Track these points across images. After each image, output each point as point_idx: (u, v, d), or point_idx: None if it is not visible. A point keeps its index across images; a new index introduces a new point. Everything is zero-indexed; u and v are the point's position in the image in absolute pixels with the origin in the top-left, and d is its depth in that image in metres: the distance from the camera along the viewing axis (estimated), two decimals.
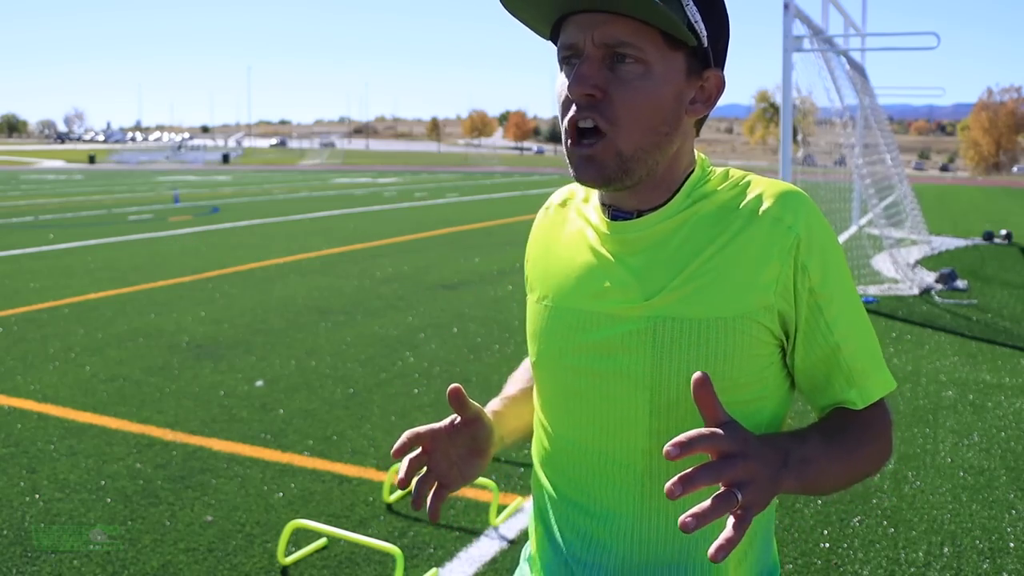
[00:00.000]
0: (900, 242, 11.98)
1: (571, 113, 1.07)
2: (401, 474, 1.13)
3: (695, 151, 1.19)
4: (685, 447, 0.86)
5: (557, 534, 1.23)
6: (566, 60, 1.09)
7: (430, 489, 1.16)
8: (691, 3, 1.05)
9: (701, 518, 0.84)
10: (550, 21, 1.10)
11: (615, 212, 1.16)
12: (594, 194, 1.23)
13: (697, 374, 0.90)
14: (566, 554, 1.21)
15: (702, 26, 1.06)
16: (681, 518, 0.84)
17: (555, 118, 1.22)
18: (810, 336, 1.10)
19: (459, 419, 1.16)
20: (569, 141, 1.09)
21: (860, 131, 12.36)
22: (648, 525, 1.15)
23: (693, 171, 1.17)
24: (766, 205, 1.09)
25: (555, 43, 1.13)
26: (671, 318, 1.09)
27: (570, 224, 1.24)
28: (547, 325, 1.21)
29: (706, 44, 1.07)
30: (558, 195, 1.32)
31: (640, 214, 1.14)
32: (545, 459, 1.26)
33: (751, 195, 1.11)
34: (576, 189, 1.28)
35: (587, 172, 1.08)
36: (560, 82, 1.11)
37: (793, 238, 1.07)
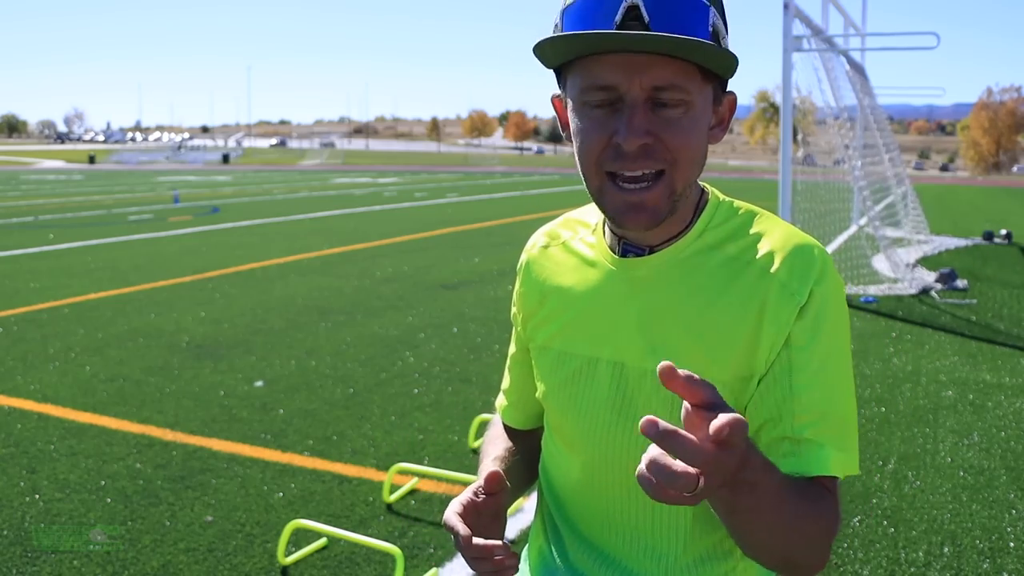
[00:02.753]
0: (898, 242, 11.98)
1: (618, 164, 1.01)
2: (495, 562, 1.02)
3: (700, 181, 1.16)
4: (712, 413, 0.75)
5: (555, 555, 1.24)
6: (597, 101, 1.02)
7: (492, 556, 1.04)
8: (727, 35, 1.03)
9: (656, 469, 0.75)
10: (572, 57, 1.03)
11: (627, 247, 1.12)
12: (587, 231, 1.20)
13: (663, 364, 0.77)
14: (562, 574, 1.23)
15: (731, 56, 1.02)
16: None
17: (554, 119, 1.17)
18: (768, 391, 1.04)
19: (484, 491, 1.09)
20: (608, 186, 1.03)
21: (860, 131, 12.37)
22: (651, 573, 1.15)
23: (703, 201, 1.13)
24: (776, 266, 1.05)
25: (557, 74, 1.08)
26: None
27: (565, 266, 1.20)
28: (553, 370, 1.19)
29: (732, 72, 1.05)
30: (540, 237, 1.27)
31: (652, 249, 1.11)
32: (552, 483, 1.26)
33: (764, 250, 1.07)
34: (560, 230, 1.24)
35: (637, 218, 1.03)
36: (587, 125, 1.03)
37: (795, 305, 1.03)
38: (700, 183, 1.15)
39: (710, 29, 0.98)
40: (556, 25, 1.04)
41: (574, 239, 1.21)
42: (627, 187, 1.02)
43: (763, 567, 1.04)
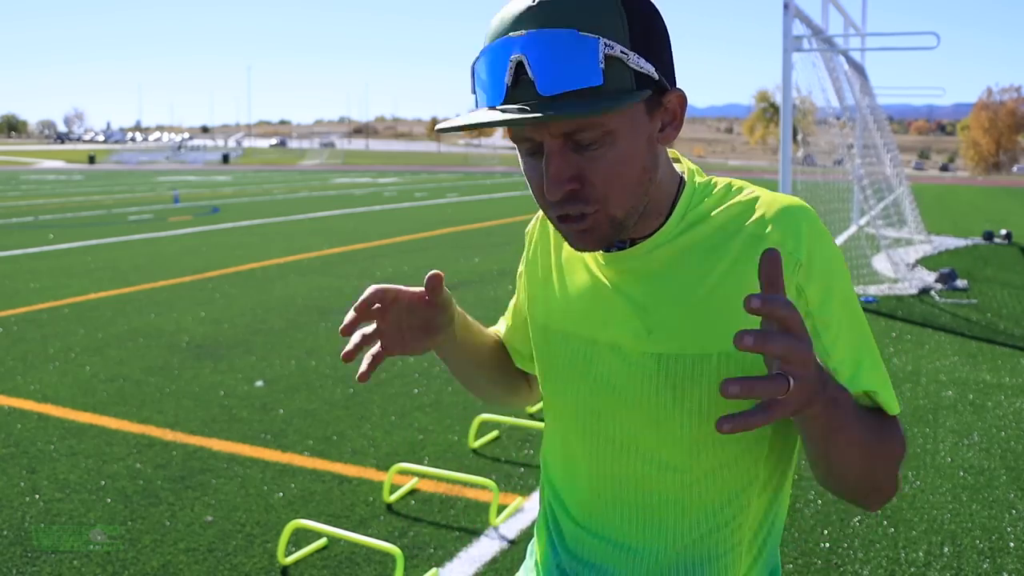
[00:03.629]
0: (898, 242, 11.98)
1: (555, 209, 1.03)
2: (351, 346, 1.13)
3: (678, 162, 1.15)
4: (771, 282, 0.82)
5: (560, 548, 1.24)
6: (524, 149, 1.03)
7: (369, 349, 1.16)
8: (631, 53, 0.95)
9: (746, 388, 0.79)
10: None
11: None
12: None
13: (769, 252, 0.82)
14: (565, 565, 1.23)
15: (649, 67, 0.97)
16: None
17: None
18: None
19: (427, 296, 1.16)
20: (556, 221, 1.05)
21: (860, 131, 12.37)
22: (659, 558, 1.15)
23: (681, 187, 1.12)
24: (766, 229, 1.05)
25: None
26: (677, 355, 1.07)
27: (565, 247, 1.22)
28: (552, 351, 1.20)
29: (657, 78, 0.99)
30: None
31: (634, 242, 1.11)
32: (552, 472, 1.26)
33: (749, 216, 1.07)
34: None
35: (585, 244, 1.06)
36: (525, 167, 1.05)
37: (794, 264, 1.03)
38: (678, 170, 1.14)
39: (601, 66, 0.93)
40: (472, 78, 1.02)
41: None
42: (570, 221, 1.04)
43: (846, 499, 1.09)
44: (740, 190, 1.11)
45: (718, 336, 1.05)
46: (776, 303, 0.80)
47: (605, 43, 0.94)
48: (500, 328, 1.42)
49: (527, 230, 1.31)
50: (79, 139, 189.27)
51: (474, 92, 1.01)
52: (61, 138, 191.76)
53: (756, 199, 1.09)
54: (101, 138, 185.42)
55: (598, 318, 1.14)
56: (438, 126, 1.01)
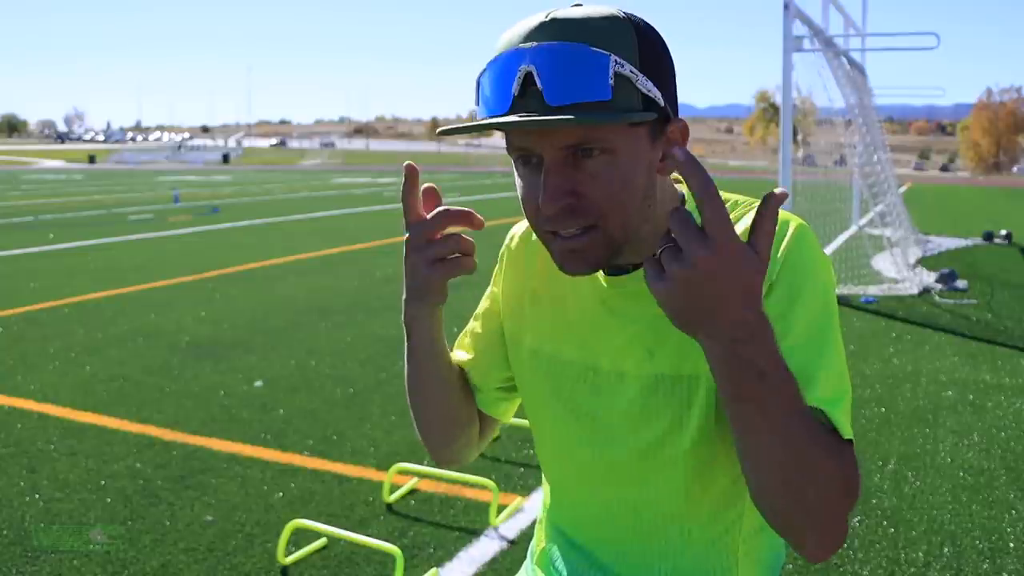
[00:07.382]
0: (898, 242, 11.97)
1: (548, 226, 1.00)
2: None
3: (679, 182, 1.13)
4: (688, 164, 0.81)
5: (563, 567, 1.25)
6: (523, 160, 1.01)
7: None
8: (640, 76, 0.94)
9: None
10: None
11: (611, 268, 1.12)
12: None
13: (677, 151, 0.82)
14: None
15: (656, 92, 0.96)
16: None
17: None
18: None
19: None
20: (548, 237, 1.03)
21: (861, 131, 12.37)
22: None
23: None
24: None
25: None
26: (675, 376, 1.08)
27: (551, 264, 1.17)
28: (546, 376, 1.19)
29: (662, 104, 0.98)
30: (522, 227, 1.25)
31: (636, 266, 1.10)
32: (552, 503, 1.26)
33: (739, 230, 1.03)
34: None
35: (576, 266, 1.02)
36: (520, 182, 1.03)
37: (766, 286, 1.00)
38: (680, 189, 1.12)
39: (611, 82, 0.92)
40: (477, 90, 1.01)
41: None
42: (564, 235, 1.01)
43: (772, 526, 0.98)
44: (738, 207, 1.09)
45: (702, 357, 1.04)
46: (685, 162, 0.81)
47: (616, 60, 0.93)
48: (459, 357, 1.34)
49: (501, 251, 1.29)
50: (79, 139, 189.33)
51: (478, 103, 1.00)
52: (61, 138, 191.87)
53: (751, 215, 1.05)
54: (101, 138, 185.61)
55: (600, 345, 1.14)
56: (440, 129, 1.00)
